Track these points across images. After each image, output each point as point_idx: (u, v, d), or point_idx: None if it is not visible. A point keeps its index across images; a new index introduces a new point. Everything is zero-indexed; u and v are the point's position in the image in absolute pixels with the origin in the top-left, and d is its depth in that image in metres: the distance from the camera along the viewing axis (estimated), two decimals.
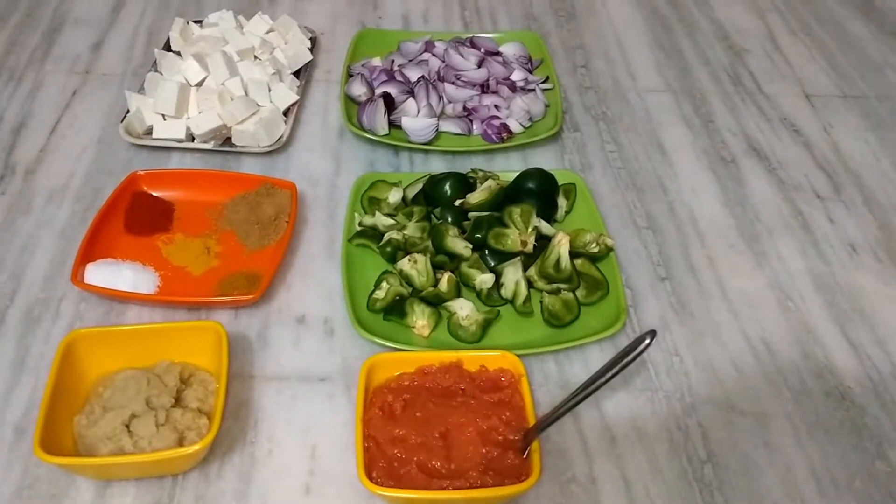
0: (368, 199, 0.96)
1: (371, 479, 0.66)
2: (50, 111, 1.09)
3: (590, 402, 0.75)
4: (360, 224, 0.92)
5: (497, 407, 0.72)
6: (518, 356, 0.77)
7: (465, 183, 0.95)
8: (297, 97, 1.08)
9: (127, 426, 0.69)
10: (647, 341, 0.63)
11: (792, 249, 0.95)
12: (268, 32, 1.16)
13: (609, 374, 0.64)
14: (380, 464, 0.68)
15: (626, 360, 0.64)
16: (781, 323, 0.87)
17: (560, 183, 0.96)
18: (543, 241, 0.89)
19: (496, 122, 1.06)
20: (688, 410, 0.79)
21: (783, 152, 1.09)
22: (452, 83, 1.11)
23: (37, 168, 1.01)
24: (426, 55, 1.16)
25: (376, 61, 1.16)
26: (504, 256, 0.88)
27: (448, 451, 0.69)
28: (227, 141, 1.03)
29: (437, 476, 0.67)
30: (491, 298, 0.87)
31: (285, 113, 1.07)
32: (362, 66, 1.15)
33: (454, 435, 0.69)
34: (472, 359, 0.76)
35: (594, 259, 0.89)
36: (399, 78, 1.11)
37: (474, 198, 0.92)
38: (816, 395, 0.81)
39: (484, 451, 0.68)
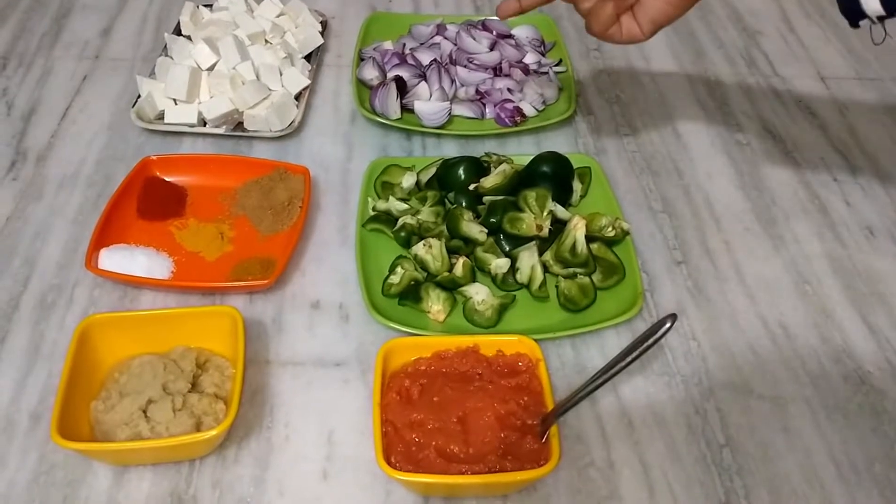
0: (382, 183, 0.95)
1: (389, 463, 0.66)
2: (60, 97, 1.09)
3: (607, 387, 0.74)
4: (373, 209, 0.92)
5: (515, 391, 0.71)
6: (535, 341, 0.76)
7: (479, 167, 0.94)
8: (309, 81, 1.08)
9: (144, 411, 0.69)
10: (668, 325, 0.62)
11: (809, 233, 0.95)
12: (278, 16, 1.15)
13: (629, 359, 0.64)
14: (398, 448, 0.67)
15: (646, 344, 0.63)
16: (799, 307, 0.87)
17: (575, 167, 0.95)
18: (559, 225, 0.88)
19: (509, 106, 1.05)
20: (705, 395, 0.78)
21: (799, 135, 1.08)
22: (465, 66, 1.11)
23: (48, 154, 1.00)
24: (438, 38, 1.15)
25: (388, 45, 1.15)
26: (519, 241, 0.87)
27: (466, 436, 0.68)
28: (239, 126, 1.02)
29: (456, 461, 0.67)
30: (506, 283, 0.86)
31: (297, 97, 1.06)
32: (374, 49, 1.14)
33: (472, 419, 0.69)
34: (488, 343, 0.76)
35: (610, 243, 0.89)
36: (411, 61, 1.10)
37: (489, 182, 0.91)
38: (835, 379, 0.80)
39: (502, 435, 0.68)
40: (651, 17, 0.80)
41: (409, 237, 0.88)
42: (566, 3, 0.84)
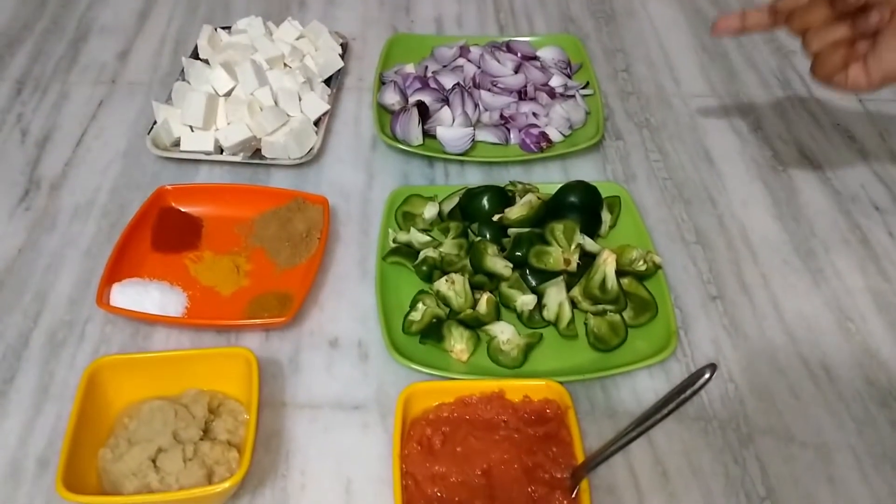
0: (403, 214, 0.92)
1: None
2: (76, 123, 1.07)
3: None
4: (394, 241, 0.88)
5: (542, 441, 0.67)
6: (563, 383, 0.72)
7: (503, 197, 0.91)
8: (329, 107, 1.05)
9: (153, 461, 0.66)
10: (707, 376, 0.58)
11: (850, 266, 0.90)
12: (297, 39, 1.12)
13: (665, 411, 0.60)
14: (419, 503, 0.64)
15: (683, 396, 0.59)
16: (842, 346, 0.82)
17: (604, 195, 0.92)
18: (587, 258, 0.84)
19: (535, 131, 1.02)
20: (744, 442, 0.74)
21: (838, 160, 1.03)
22: (488, 90, 1.07)
23: (62, 183, 0.98)
24: (461, 61, 1.12)
25: (409, 68, 1.12)
26: (546, 275, 0.83)
27: (491, 490, 0.64)
28: (257, 153, 0.99)
29: None
30: (533, 320, 0.82)
31: (316, 123, 1.03)
32: (395, 73, 1.11)
33: (497, 472, 0.65)
34: (514, 388, 0.72)
35: (641, 277, 0.85)
36: (433, 85, 1.07)
37: (514, 213, 0.87)
38: (882, 424, 0.76)
39: (530, 490, 0.64)
40: (885, 70, 0.76)
41: (431, 271, 0.85)
42: (794, 36, 0.79)
